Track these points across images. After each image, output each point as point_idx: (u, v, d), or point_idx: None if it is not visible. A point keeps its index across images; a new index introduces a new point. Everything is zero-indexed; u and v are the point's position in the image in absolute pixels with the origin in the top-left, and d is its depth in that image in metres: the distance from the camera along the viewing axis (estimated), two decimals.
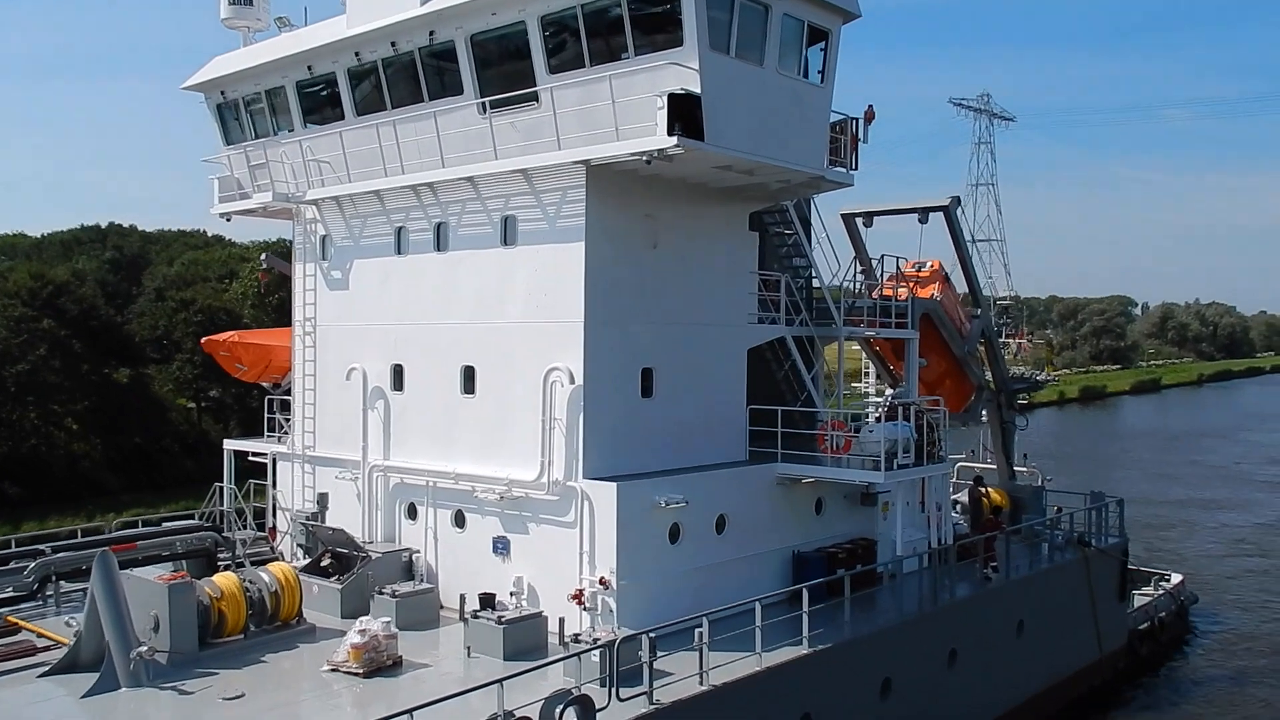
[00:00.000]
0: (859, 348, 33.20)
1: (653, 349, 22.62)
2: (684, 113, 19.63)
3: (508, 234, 22.67)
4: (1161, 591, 36.13)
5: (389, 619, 20.13)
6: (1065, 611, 29.52)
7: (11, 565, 23.78)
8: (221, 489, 28.14)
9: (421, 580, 23.76)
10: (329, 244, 26.66)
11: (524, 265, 22.30)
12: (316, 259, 26.90)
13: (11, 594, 23.18)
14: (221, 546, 26.27)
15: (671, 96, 19.56)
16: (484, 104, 22.44)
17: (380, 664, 19.39)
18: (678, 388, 23.16)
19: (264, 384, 29.36)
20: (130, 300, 72.61)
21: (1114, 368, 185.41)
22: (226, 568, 25.64)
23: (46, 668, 19.56)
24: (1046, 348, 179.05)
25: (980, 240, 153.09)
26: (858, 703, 21.68)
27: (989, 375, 34.55)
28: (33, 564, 23.44)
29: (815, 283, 27.62)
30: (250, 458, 28.71)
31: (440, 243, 24.01)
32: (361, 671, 19.13)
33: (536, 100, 21.55)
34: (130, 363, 65.51)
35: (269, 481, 28.25)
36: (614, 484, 20.82)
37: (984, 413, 34.49)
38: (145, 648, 18.75)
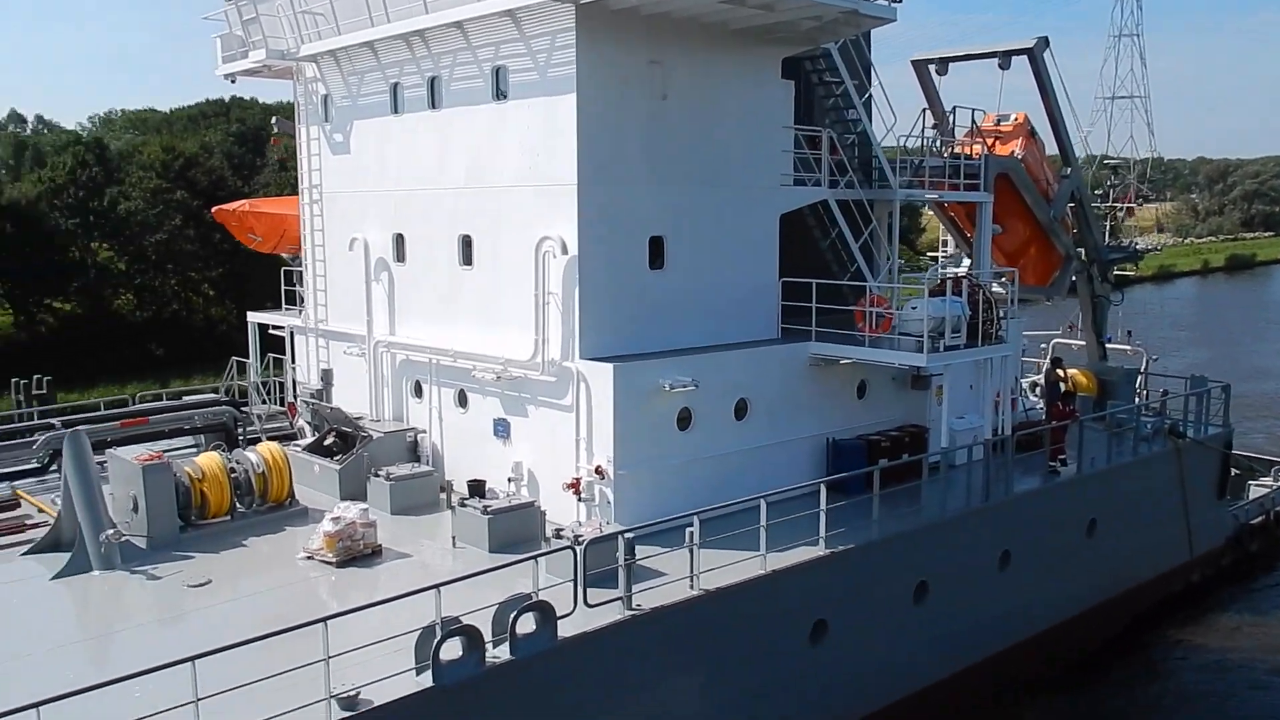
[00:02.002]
0: (934, 215, 30.04)
1: (663, 215, 20.25)
2: None
3: (499, 87, 20.35)
4: None
5: (365, 506, 18.86)
6: (1149, 509, 26.65)
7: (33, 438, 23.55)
8: (241, 363, 27.27)
9: (426, 462, 22.52)
10: (330, 105, 24.81)
11: (516, 122, 20.03)
12: (319, 121, 25.12)
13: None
14: (240, 422, 25.56)
15: None
16: None
17: (356, 553, 18.23)
18: (694, 259, 20.83)
19: (283, 255, 28.08)
20: (255, 171, 73.69)
21: (1266, 235, 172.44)
22: (250, 443, 24.98)
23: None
24: (1190, 213, 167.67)
25: (1120, 97, 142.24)
26: (884, 609, 19.67)
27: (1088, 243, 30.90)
28: (41, 438, 23.06)
29: (879, 140, 24.45)
30: (270, 331, 27.70)
31: (434, 99, 21.85)
32: (335, 560, 18.01)
33: None
34: None
35: (287, 356, 27.26)
36: (610, 365, 18.86)
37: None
38: (113, 530, 17.96)
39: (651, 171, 19.94)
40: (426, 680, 13.46)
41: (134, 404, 26.80)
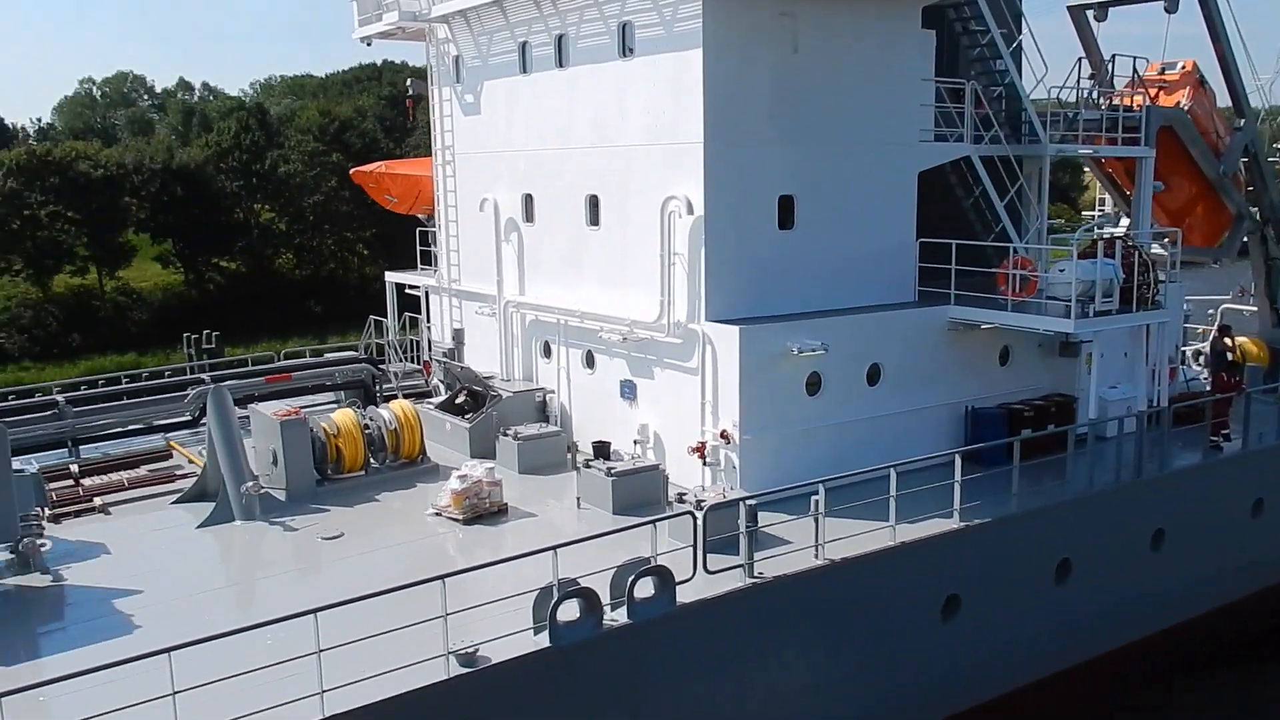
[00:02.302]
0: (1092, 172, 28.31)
1: (794, 173, 19.58)
2: None
3: (625, 44, 19.97)
4: None
5: (492, 465, 19.02)
6: None
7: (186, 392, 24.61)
8: (379, 322, 27.89)
9: (555, 422, 22.58)
10: (461, 66, 24.91)
11: (642, 79, 19.64)
12: (451, 82, 25.25)
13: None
14: (378, 379, 26.17)
15: None
16: None
17: (482, 510, 18.41)
18: (826, 218, 20.10)
19: (418, 215, 28.50)
20: (407, 133, 75.96)
21: None
22: (387, 400, 25.59)
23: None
24: None
25: None
26: (1022, 587, 18.76)
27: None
28: (193, 392, 24.06)
29: (1028, 93, 23.07)
30: (407, 290, 28.22)
31: (561, 57, 21.65)
32: (462, 518, 18.23)
33: None
34: None
35: (422, 315, 27.73)
36: (736, 327, 18.41)
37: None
38: (252, 483, 18.61)
39: (781, 128, 19.28)
40: (544, 640, 13.46)
41: (280, 361, 27.72)
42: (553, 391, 22.92)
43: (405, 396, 25.37)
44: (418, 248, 28.32)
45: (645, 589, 14.41)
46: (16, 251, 62.67)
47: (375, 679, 12.12)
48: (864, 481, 17.16)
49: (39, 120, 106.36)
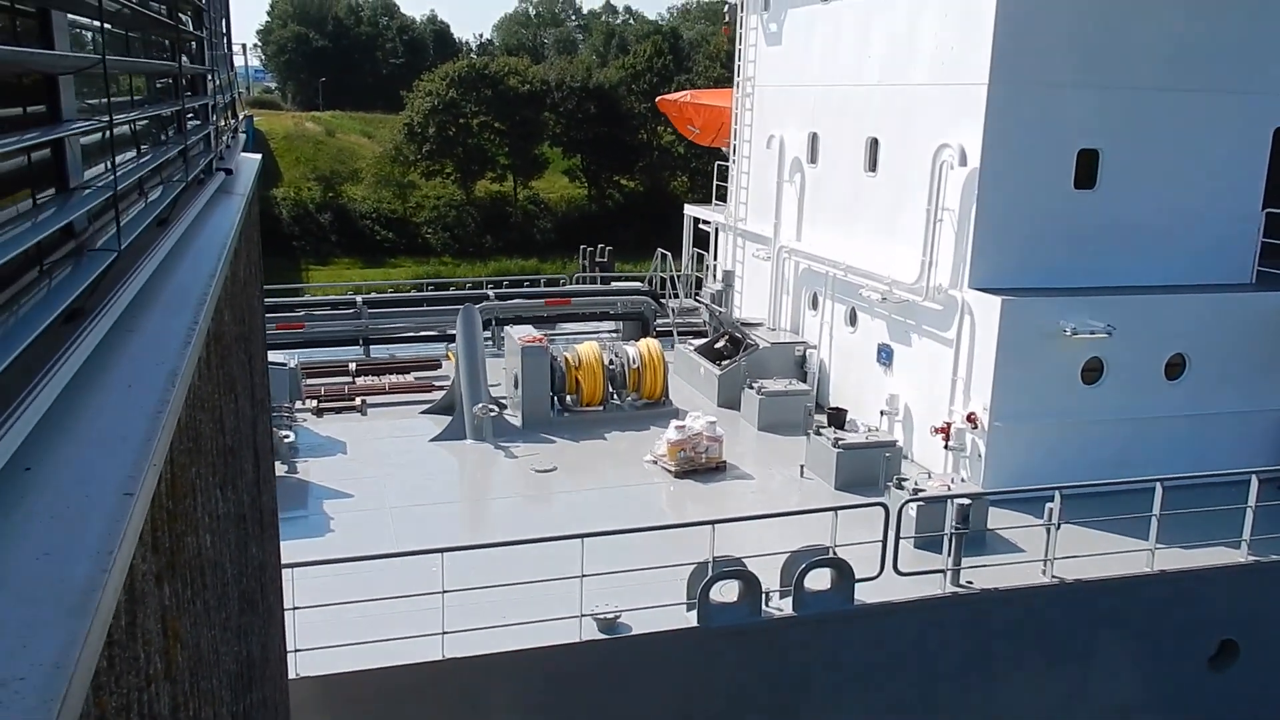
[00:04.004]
0: None
1: (1101, 123, 16.63)
2: None
3: None
4: None
5: (714, 419, 18.06)
6: None
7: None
8: (665, 255, 27.47)
9: (812, 380, 21.18)
10: None
11: (933, 11, 17.36)
12: (759, 10, 23.84)
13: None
14: (657, 313, 25.91)
15: None
16: None
17: (698, 465, 17.63)
18: (1140, 178, 16.96)
19: (721, 148, 27.56)
20: None
21: None
22: (662, 335, 25.39)
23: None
24: None
25: None
26: None
27: None
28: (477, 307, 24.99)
29: None
30: (699, 226, 27.54)
31: None
32: (675, 470, 17.55)
33: None
34: None
35: (710, 252, 26.96)
36: (999, 298, 16.07)
37: None
38: (482, 405, 18.92)
39: (1090, 71, 16.36)
40: (693, 619, 12.55)
41: (571, 284, 28.19)
42: (815, 347, 21.47)
43: (681, 334, 24.97)
44: (714, 182, 27.49)
45: (821, 580, 13.06)
46: (449, 156, 70.09)
47: (508, 628, 11.79)
48: (1132, 492, 14.54)
49: (480, 35, 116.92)
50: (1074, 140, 16.60)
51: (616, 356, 20.43)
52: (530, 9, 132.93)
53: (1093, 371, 16.60)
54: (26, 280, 2.61)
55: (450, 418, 19.36)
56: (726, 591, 12.74)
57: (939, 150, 16.90)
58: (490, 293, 25.25)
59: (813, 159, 21.73)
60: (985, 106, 16.10)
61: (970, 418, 16.51)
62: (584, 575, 12.02)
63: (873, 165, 19.50)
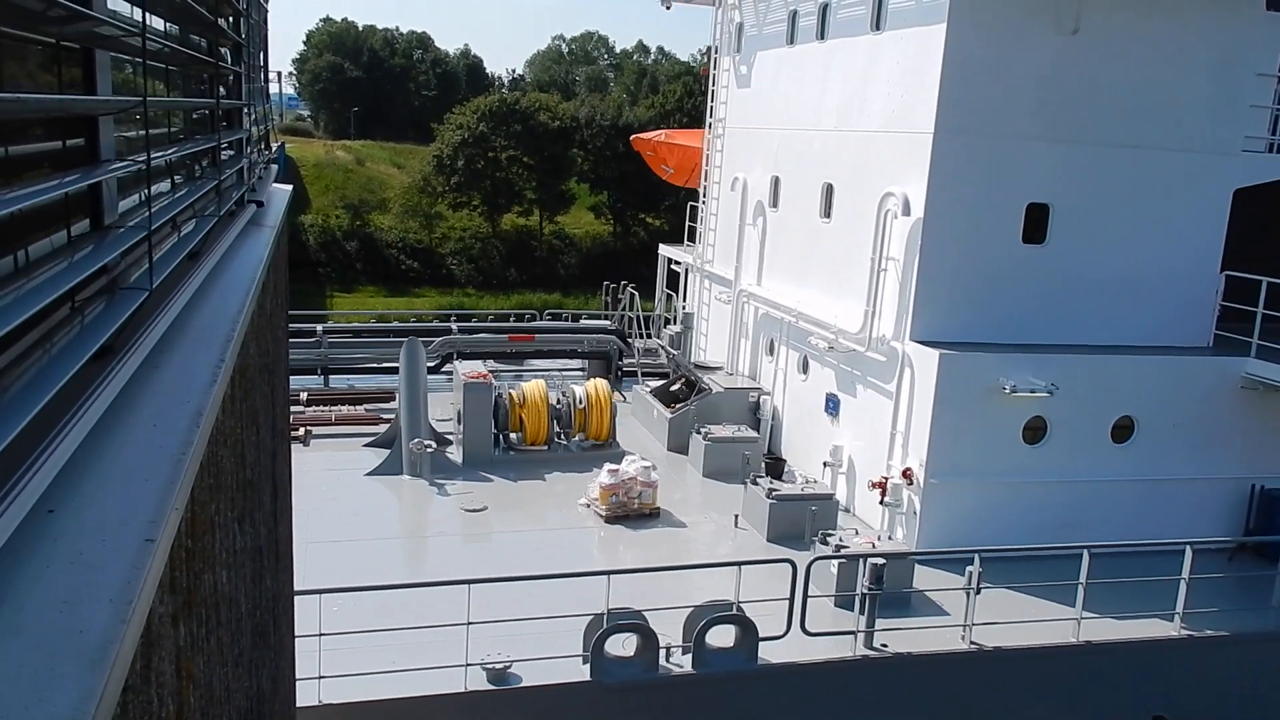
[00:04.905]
0: None
1: (1053, 177, 16.27)
2: None
3: (880, 15, 17.47)
4: None
5: (650, 464, 17.64)
6: None
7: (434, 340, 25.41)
8: (633, 293, 27.16)
9: (765, 426, 20.74)
10: (742, 34, 23.24)
11: (888, 56, 17.10)
12: (732, 52, 23.67)
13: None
14: (622, 352, 25.58)
15: None
16: None
17: (630, 511, 17.18)
18: (1092, 235, 16.57)
19: (695, 188, 27.29)
20: None
21: None
22: (626, 375, 25.11)
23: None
24: None
25: None
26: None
27: None
28: (437, 340, 24.72)
29: None
30: (671, 266, 27.23)
31: (823, 28, 19.46)
32: (605, 515, 17.12)
33: None
34: None
35: (679, 292, 26.64)
36: (936, 351, 15.65)
37: None
38: (417, 440, 18.56)
39: (1043, 124, 16.03)
40: (587, 673, 12.10)
41: (541, 320, 27.91)
42: (769, 394, 21.06)
43: (645, 374, 24.64)
44: (686, 223, 27.23)
45: (725, 638, 12.59)
46: (477, 189, 70.46)
47: (390, 674, 11.37)
48: (1067, 558, 14.05)
49: (513, 71, 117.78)
50: (1023, 193, 16.25)
51: (564, 396, 20.07)
52: (563, 46, 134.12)
53: (1035, 431, 16.14)
54: (59, 318, 2.60)
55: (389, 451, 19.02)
56: (627, 645, 12.30)
57: (884, 198, 16.56)
58: (454, 326, 24.97)
59: (774, 203, 21.43)
60: (930, 155, 15.78)
61: (906, 473, 16.05)
62: (470, 622, 11.61)
63: (827, 211, 19.19)
